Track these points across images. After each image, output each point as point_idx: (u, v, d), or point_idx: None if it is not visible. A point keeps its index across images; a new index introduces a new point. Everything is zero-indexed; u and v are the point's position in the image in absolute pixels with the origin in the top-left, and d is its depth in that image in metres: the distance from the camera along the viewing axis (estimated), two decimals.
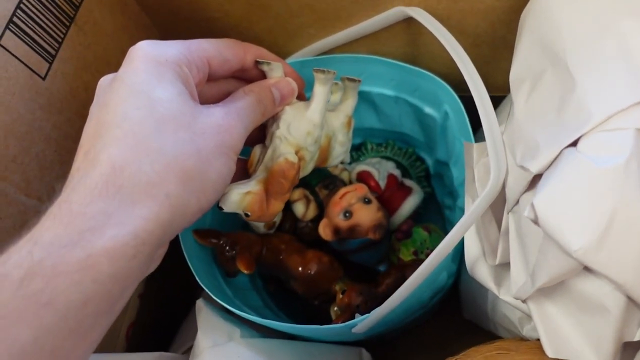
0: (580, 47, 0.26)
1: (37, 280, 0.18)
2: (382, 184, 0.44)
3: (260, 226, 0.43)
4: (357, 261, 0.42)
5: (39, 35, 0.33)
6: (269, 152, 0.32)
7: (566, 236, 0.23)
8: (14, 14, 0.31)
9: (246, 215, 0.31)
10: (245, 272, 0.38)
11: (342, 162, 0.38)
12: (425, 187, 0.48)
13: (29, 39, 0.32)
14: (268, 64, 0.31)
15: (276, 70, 0.31)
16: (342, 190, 0.41)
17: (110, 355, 0.34)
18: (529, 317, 0.32)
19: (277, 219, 0.44)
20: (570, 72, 0.26)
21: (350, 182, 0.46)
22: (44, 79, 0.34)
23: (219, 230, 0.41)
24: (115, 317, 0.21)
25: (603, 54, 0.25)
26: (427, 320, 0.45)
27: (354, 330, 0.33)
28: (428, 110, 0.41)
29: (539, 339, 0.29)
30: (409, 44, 0.40)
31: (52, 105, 0.35)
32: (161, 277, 0.44)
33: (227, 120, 0.25)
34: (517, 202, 0.28)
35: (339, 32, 0.40)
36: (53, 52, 0.34)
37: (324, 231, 0.41)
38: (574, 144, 0.25)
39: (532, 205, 0.24)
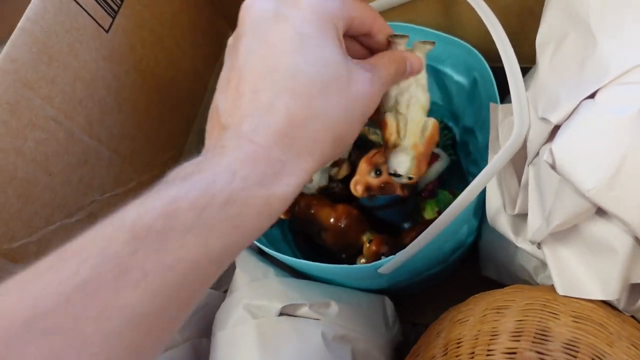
0: (603, 11, 0.29)
1: (234, 207, 0.20)
2: None
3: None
4: (385, 217, 0.45)
5: None
6: (408, 118, 0.34)
7: (580, 177, 0.26)
8: None
9: (409, 178, 0.34)
10: (282, 217, 0.42)
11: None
12: (452, 155, 0.50)
13: None
14: (402, 37, 0.31)
15: (403, 44, 0.32)
16: (373, 150, 0.44)
17: None
18: (543, 265, 0.34)
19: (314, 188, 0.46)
20: (593, 33, 0.28)
21: (380, 145, 0.48)
22: (107, 32, 0.37)
23: None
24: None
25: (623, 17, 0.28)
26: (447, 278, 0.48)
27: (379, 270, 0.35)
28: (458, 77, 0.43)
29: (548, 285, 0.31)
30: (442, 13, 0.42)
31: (114, 57, 0.38)
32: None
33: (373, 89, 0.26)
34: (537, 154, 0.30)
35: (375, 0, 0.42)
36: (116, 8, 0.38)
37: (356, 188, 0.44)
38: (592, 96, 0.27)
39: (551, 150, 0.27)
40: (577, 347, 0.27)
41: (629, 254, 0.28)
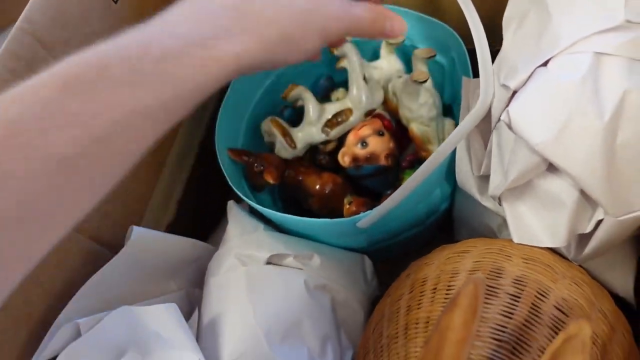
0: None
1: (168, 63, 0.21)
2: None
3: (285, 151, 0.49)
4: (369, 186, 0.49)
5: None
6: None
7: (531, 133, 0.30)
8: None
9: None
10: (272, 182, 0.45)
11: None
12: None
13: None
14: None
15: None
16: (360, 124, 0.47)
17: (153, 232, 0.40)
18: (505, 223, 0.38)
19: (300, 153, 0.50)
20: (549, 10, 0.32)
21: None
22: (115, 2, 0.41)
23: (249, 150, 0.48)
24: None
25: None
26: (424, 244, 0.51)
27: (358, 224, 0.39)
28: (438, 57, 0.47)
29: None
30: None
31: (121, 28, 0.42)
32: (197, 188, 0.52)
33: (342, 14, 0.28)
34: (500, 119, 0.34)
35: None
36: None
37: (343, 158, 0.47)
38: (545, 64, 0.31)
39: (507, 111, 0.31)
40: (525, 282, 0.31)
41: (575, 206, 0.32)
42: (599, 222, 0.32)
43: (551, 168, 0.32)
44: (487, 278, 0.31)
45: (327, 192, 0.47)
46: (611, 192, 0.30)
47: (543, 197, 0.33)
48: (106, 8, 0.40)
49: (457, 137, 0.35)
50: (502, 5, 0.41)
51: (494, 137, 0.35)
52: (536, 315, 0.30)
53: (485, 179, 0.37)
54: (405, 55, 0.49)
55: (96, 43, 0.21)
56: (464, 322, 0.25)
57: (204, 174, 0.51)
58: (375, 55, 0.50)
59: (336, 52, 0.47)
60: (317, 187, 0.47)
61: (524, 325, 0.30)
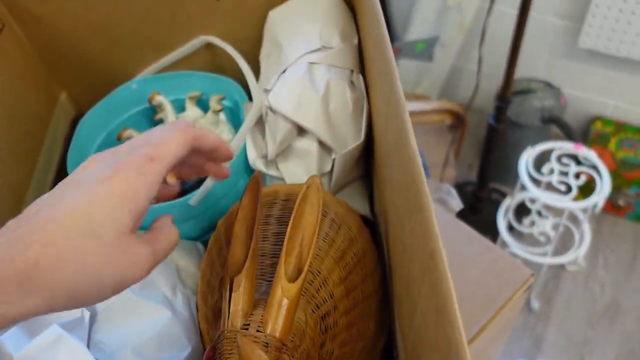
0: (285, 34, 0.56)
1: None
2: None
3: None
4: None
5: None
6: None
7: (282, 107, 0.51)
8: None
9: None
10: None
11: None
12: None
13: None
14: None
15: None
16: None
17: None
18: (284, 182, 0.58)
19: None
20: (281, 46, 0.56)
21: None
22: None
23: None
24: None
25: (292, 36, 0.55)
26: None
27: (190, 202, 0.56)
28: (226, 102, 0.68)
29: None
30: (210, 61, 0.67)
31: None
32: None
33: (142, 273, 0.29)
34: (266, 113, 0.55)
35: (166, 55, 0.66)
36: None
37: (170, 178, 0.64)
38: (284, 72, 0.53)
39: (268, 99, 0.52)
40: (292, 193, 0.47)
41: (318, 152, 0.53)
42: (334, 160, 0.53)
43: (300, 133, 0.53)
44: (268, 196, 0.47)
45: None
46: (333, 137, 0.52)
47: (299, 152, 0.54)
48: None
49: (246, 127, 0.55)
50: (257, 54, 0.64)
51: (266, 125, 0.56)
52: (299, 207, 0.39)
53: (266, 159, 0.57)
54: (204, 105, 0.69)
55: None
56: (252, 198, 0.39)
57: None
58: (182, 109, 0.69)
59: (153, 103, 0.65)
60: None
61: (292, 213, 0.40)
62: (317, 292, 0.36)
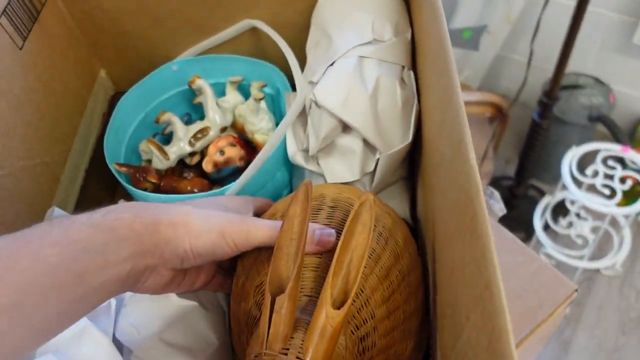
0: (334, 24, 0.53)
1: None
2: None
3: (160, 163, 0.63)
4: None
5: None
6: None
7: (328, 102, 0.48)
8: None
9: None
10: (153, 181, 0.58)
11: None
12: None
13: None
14: None
15: None
16: (217, 139, 0.63)
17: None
18: (324, 178, 0.55)
19: (173, 164, 0.64)
20: (330, 35, 0.53)
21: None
22: (21, 48, 0.53)
23: (131, 164, 0.61)
24: None
25: (343, 27, 0.52)
26: None
27: (226, 194, 0.54)
28: (267, 89, 0.66)
29: None
30: (254, 45, 0.65)
31: (30, 73, 0.54)
32: (87, 198, 0.62)
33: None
34: (311, 102, 0.53)
35: (209, 38, 0.64)
36: (25, 34, 0.54)
37: (207, 165, 0.62)
38: (332, 65, 0.51)
39: (313, 93, 0.49)
40: (339, 200, 0.46)
41: (362, 151, 0.50)
42: (378, 161, 0.51)
43: (344, 129, 0.51)
44: (315, 202, 0.43)
45: (196, 191, 0.61)
46: (380, 137, 0.50)
47: (342, 149, 0.51)
48: (13, 53, 0.52)
49: (288, 120, 0.53)
50: (303, 41, 0.61)
51: (309, 118, 0.53)
52: (347, 216, 0.40)
53: (306, 152, 0.55)
54: (244, 90, 0.67)
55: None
56: (303, 209, 0.37)
57: (92, 187, 0.63)
58: (222, 93, 0.67)
59: (193, 87, 0.63)
60: (189, 188, 0.61)
61: (339, 224, 0.41)
62: (358, 312, 0.34)
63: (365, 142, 0.51)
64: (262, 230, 0.38)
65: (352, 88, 0.49)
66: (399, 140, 0.51)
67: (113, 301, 0.47)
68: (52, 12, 0.59)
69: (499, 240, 0.64)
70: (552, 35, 1.28)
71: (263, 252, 0.40)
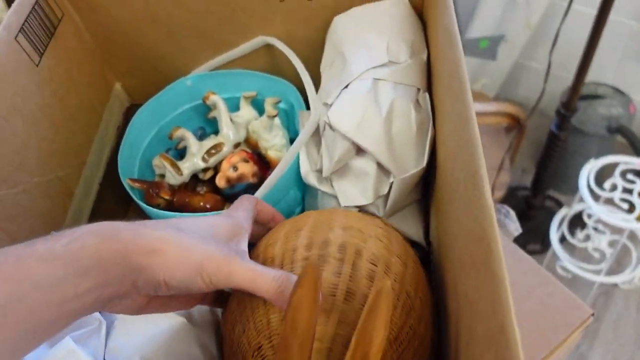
0: (349, 44, 0.53)
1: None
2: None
3: (173, 178, 0.63)
4: None
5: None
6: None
7: (342, 126, 0.48)
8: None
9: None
10: (167, 197, 0.58)
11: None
12: None
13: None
14: None
15: None
16: (230, 154, 0.63)
17: None
18: (337, 202, 0.55)
19: (186, 179, 0.64)
20: (345, 56, 0.52)
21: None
22: (37, 65, 0.54)
23: (144, 179, 0.61)
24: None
25: (358, 47, 0.52)
26: None
27: None
28: (282, 104, 0.65)
29: None
30: (268, 62, 0.65)
31: (46, 88, 0.54)
32: (101, 212, 0.63)
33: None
34: (325, 125, 0.52)
35: (224, 53, 0.64)
36: (42, 50, 0.54)
37: (220, 181, 0.62)
38: (347, 87, 0.50)
39: (327, 115, 0.49)
40: (346, 247, 0.40)
41: (375, 174, 0.50)
42: (392, 184, 0.50)
43: (358, 152, 0.50)
44: (320, 249, 0.39)
45: (209, 207, 0.61)
46: (393, 160, 0.49)
47: (355, 172, 0.51)
48: (30, 69, 0.53)
49: (301, 140, 0.53)
50: (318, 59, 0.60)
51: (322, 140, 0.53)
52: (356, 270, 0.38)
53: (319, 172, 0.55)
54: (258, 106, 0.66)
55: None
56: (311, 298, 0.32)
57: (105, 201, 0.63)
58: (236, 108, 0.67)
59: (207, 102, 0.63)
60: (201, 204, 0.61)
61: (349, 280, 0.38)
62: None
63: (379, 165, 0.50)
64: (244, 277, 0.35)
65: (367, 111, 0.48)
66: (413, 164, 0.50)
67: (103, 322, 0.47)
68: (68, 26, 0.59)
69: (514, 261, 0.63)
70: (571, 43, 1.26)
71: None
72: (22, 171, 0.49)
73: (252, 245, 0.44)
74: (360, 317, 0.32)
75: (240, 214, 0.42)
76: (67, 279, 0.30)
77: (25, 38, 0.52)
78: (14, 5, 0.52)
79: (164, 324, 0.46)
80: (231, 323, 0.41)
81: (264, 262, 0.41)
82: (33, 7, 0.53)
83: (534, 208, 1.49)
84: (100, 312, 0.47)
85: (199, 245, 0.35)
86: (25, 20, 0.52)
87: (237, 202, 0.44)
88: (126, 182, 0.58)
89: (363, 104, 0.49)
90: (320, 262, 0.39)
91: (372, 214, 0.51)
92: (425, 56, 0.54)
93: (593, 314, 0.60)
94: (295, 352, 0.31)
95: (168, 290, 0.35)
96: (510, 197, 1.57)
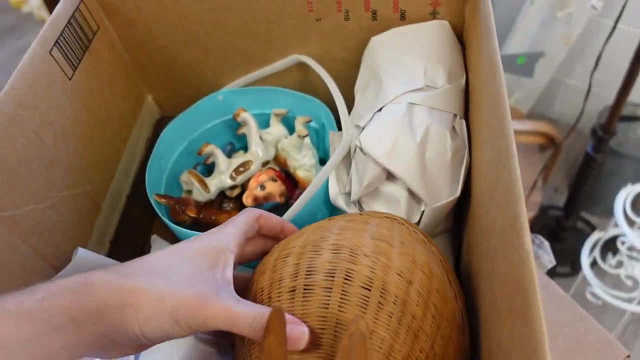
0: (385, 67, 0.51)
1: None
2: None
3: (200, 195, 0.62)
4: None
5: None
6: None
7: (374, 151, 0.47)
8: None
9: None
10: (192, 215, 0.58)
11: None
12: None
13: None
14: None
15: None
16: (258, 173, 0.62)
17: (94, 254, 0.50)
18: None
19: (213, 196, 0.63)
20: (381, 79, 0.51)
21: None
22: (70, 79, 0.53)
23: (171, 195, 0.60)
24: None
25: (394, 70, 0.51)
26: None
27: None
28: (312, 123, 0.64)
29: None
30: (300, 80, 0.64)
31: (78, 103, 0.54)
32: (127, 226, 0.62)
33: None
34: (356, 148, 0.51)
35: (257, 70, 0.63)
36: (76, 64, 0.54)
37: (247, 199, 0.61)
38: (380, 110, 0.49)
39: (359, 139, 0.48)
40: (334, 273, 0.35)
41: (406, 201, 0.48)
42: (423, 212, 0.49)
43: (389, 177, 0.49)
44: (305, 277, 0.36)
45: None
46: (426, 188, 0.47)
47: (386, 197, 0.49)
48: (63, 83, 0.52)
49: (332, 164, 0.52)
50: (352, 79, 0.59)
51: (352, 163, 0.52)
52: (347, 299, 0.34)
53: (348, 195, 0.53)
54: (289, 123, 0.65)
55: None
56: (279, 343, 0.30)
57: (132, 215, 0.63)
58: (266, 124, 0.66)
59: (238, 119, 0.63)
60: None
61: (338, 310, 0.34)
62: None
63: (411, 192, 0.48)
64: (218, 320, 0.33)
65: (400, 136, 0.47)
66: (446, 192, 0.48)
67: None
68: (103, 39, 0.59)
69: (547, 296, 0.61)
70: (612, 62, 1.22)
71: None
72: (50, 186, 0.49)
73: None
74: None
75: (228, 230, 0.39)
76: (38, 338, 0.28)
77: (60, 52, 0.52)
78: (50, 18, 0.52)
79: (194, 354, 0.45)
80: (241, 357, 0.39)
81: (254, 294, 0.38)
82: (69, 21, 0.53)
83: (565, 229, 1.45)
84: None
85: (172, 291, 0.33)
86: (61, 34, 0.52)
87: (236, 215, 0.42)
88: (153, 198, 0.57)
89: (396, 129, 0.47)
90: (306, 294, 0.35)
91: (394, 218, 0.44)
92: (463, 81, 0.53)
93: (629, 356, 0.57)
94: None
95: (148, 341, 0.33)
96: (541, 217, 1.53)
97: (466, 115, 0.52)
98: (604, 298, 1.27)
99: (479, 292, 0.42)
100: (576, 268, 1.39)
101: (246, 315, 0.33)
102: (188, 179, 0.61)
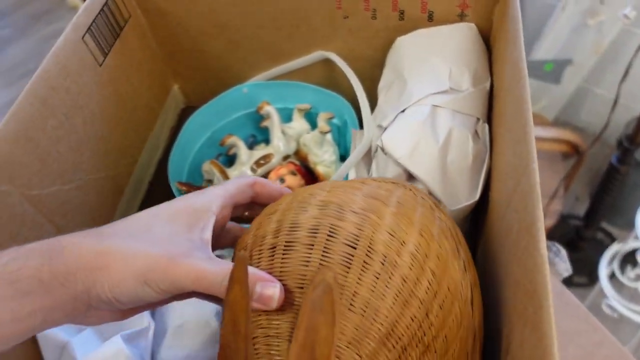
0: (410, 67, 0.51)
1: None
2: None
3: None
4: None
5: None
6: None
7: (395, 151, 0.47)
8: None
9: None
10: None
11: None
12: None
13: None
14: None
15: None
16: (278, 166, 0.63)
17: None
18: None
19: None
20: (405, 79, 0.51)
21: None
22: (100, 65, 0.55)
23: (193, 183, 0.61)
24: None
25: (419, 71, 0.51)
26: None
27: None
28: (335, 120, 0.65)
29: None
30: (324, 75, 0.64)
31: (108, 88, 0.55)
32: None
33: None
34: (377, 147, 0.51)
35: (281, 65, 0.64)
36: (107, 51, 0.56)
37: None
38: (403, 111, 0.49)
39: (381, 139, 0.48)
40: (317, 229, 0.33)
41: None
42: None
43: (409, 178, 0.49)
44: (287, 234, 0.34)
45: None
46: (446, 191, 0.48)
47: None
48: (93, 69, 0.54)
49: (352, 162, 0.52)
50: (376, 77, 0.59)
51: (373, 162, 0.52)
52: (329, 256, 0.32)
53: None
54: (311, 119, 0.66)
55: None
56: (243, 294, 0.29)
57: (153, 200, 0.64)
58: (289, 119, 0.67)
59: (261, 112, 0.63)
60: (247, 213, 0.61)
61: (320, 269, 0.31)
62: None
63: (430, 193, 0.49)
64: (190, 279, 0.31)
65: (422, 138, 0.47)
66: (465, 196, 0.48)
67: (152, 323, 0.47)
68: (133, 28, 0.60)
69: (561, 305, 0.61)
70: (636, 69, 1.20)
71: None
72: (77, 168, 0.51)
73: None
74: (299, 314, 0.27)
75: (214, 192, 0.37)
76: (4, 301, 0.28)
77: (92, 38, 0.53)
78: (84, 5, 0.53)
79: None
80: None
81: (237, 253, 0.37)
82: (102, 8, 0.54)
83: (585, 239, 1.43)
84: (149, 312, 0.48)
85: (143, 252, 0.31)
86: (94, 21, 0.53)
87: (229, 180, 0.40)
88: (174, 185, 0.58)
89: (418, 130, 0.47)
90: (286, 251, 0.33)
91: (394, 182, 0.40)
92: (488, 85, 0.53)
93: None
94: (241, 353, 0.28)
95: (123, 305, 0.32)
96: (562, 226, 1.51)
97: (489, 119, 0.52)
98: (621, 311, 1.26)
99: (491, 296, 0.42)
100: (593, 279, 1.37)
101: (217, 274, 0.31)
102: (210, 169, 0.62)
